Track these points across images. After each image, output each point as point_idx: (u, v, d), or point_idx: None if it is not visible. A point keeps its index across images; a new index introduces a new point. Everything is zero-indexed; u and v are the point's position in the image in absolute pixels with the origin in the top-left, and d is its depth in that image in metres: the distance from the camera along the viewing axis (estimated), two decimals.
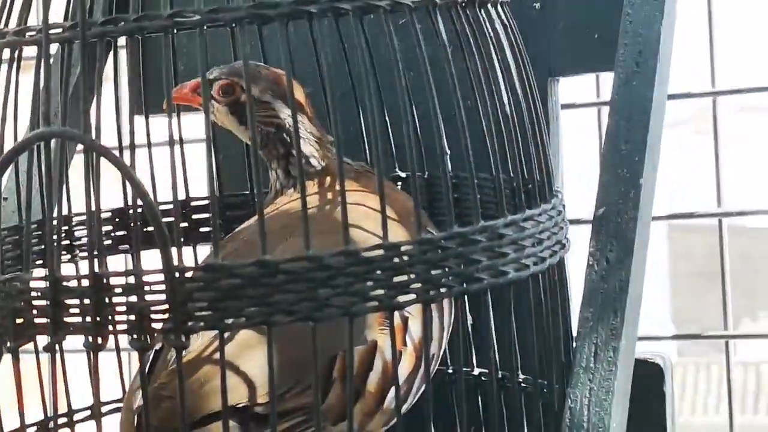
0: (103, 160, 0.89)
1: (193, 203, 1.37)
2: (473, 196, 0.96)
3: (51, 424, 1.17)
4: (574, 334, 1.13)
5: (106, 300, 0.88)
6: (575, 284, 1.20)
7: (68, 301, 0.89)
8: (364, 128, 1.29)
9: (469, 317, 1.22)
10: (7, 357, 0.93)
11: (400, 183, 1.32)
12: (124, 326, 0.88)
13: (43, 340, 0.92)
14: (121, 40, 1.27)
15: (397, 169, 1.32)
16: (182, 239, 1.33)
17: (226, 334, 0.90)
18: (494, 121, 1.02)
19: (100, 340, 0.89)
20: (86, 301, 0.88)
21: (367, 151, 1.29)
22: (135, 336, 0.88)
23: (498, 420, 1.06)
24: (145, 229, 1.02)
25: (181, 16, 0.91)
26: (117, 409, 1.30)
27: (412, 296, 0.91)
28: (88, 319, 0.88)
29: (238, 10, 0.91)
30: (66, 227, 1.29)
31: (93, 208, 0.91)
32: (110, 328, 0.89)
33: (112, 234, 1.33)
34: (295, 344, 0.97)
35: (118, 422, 1.11)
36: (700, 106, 1.58)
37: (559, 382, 1.09)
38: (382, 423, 1.11)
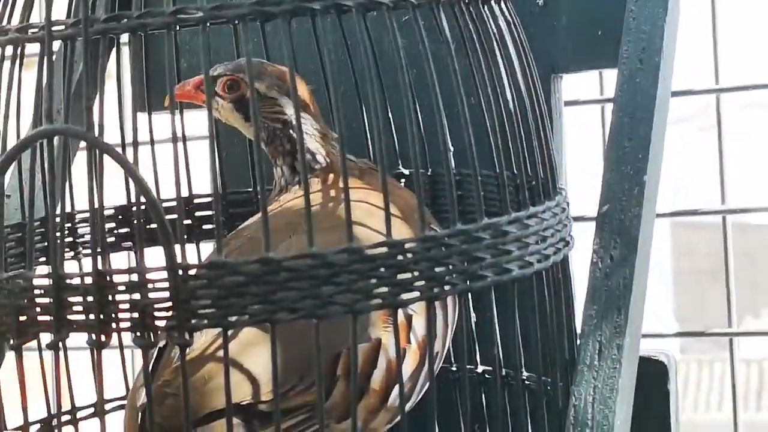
0: (106, 157, 0.89)
1: (197, 200, 1.37)
2: (476, 193, 0.96)
3: (54, 422, 1.17)
4: (578, 331, 1.12)
5: (110, 297, 0.88)
6: (579, 282, 1.20)
7: (71, 299, 0.89)
8: (367, 125, 1.29)
9: (472, 315, 1.22)
10: (11, 355, 0.93)
11: (403, 180, 1.32)
12: (128, 324, 0.88)
13: (46, 337, 0.91)
14: (124, 38, 1.28)
15: (400, 166, 1.32)
16: (185, 236, 1.32)
17: (229, 332, 0.90)
18: (497, 118, 1.02)
19: (103, 338, 0.89)
20: (89, 298, 0.88)
21: (370, 148, 1.29)
22: (138, 334, 0.88)
23: (502, 417, 1.06)
24: (148, 227, 1.02)
25: (184, 12, 0.91)
26: (120, 407, 1.30)
27: (416, 294, 0.91)
28: (92, 316, 0.88)
29: (241, 6, 0.91)
30: (69, 225, 1.29)
31: (96, 205, 0.91)
32: (113, 325, 0.89)
33: (115, 231, 1.33)
34: (299, 342, 0.97)
35: (122, 420, 1.11)
36: (704, 103, 1.58)
37: (563, 379, 1.09)
38: (386, 421, 1.11)
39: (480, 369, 1.26)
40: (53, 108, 0.93)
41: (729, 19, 1.54)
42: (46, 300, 0.90)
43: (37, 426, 1.18)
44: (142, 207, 0.90)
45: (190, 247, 1.34)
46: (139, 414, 1.07)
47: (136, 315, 0.88)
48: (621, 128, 1.19)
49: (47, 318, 0.90)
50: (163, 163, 1.31)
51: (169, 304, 0.87)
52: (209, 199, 1.37)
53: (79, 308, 0.89)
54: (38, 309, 0.90)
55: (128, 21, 0.92)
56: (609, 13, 1.31)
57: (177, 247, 0.88)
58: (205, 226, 1.37)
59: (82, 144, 1.32)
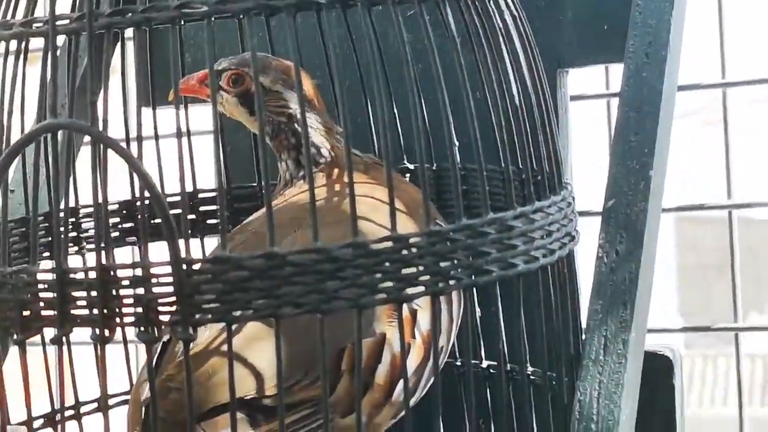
0: (110, 152, 0.89)
1: (201, 195, 1.37)
2: (482, 187, 0.95)
3: (58, 417, 1.17)
4: (584, 326, 1.12)
5: (114, 292, 0.88)
6: (585, 276, 1.20)
7: (75, 294, 0.89)
8: (372, 120, 1.29)
9: (477, 309, 1.22)
10: (15, 349, 0.93)
11: (408, 175, 1.32)
12: (132, 318, 0.88)
13: (50, 332, 0.91)
14: (129, 32, 1.27)
15: (405, 161, 1.32)
16: (190, 231, 1.33)
17: (233, 327, 0.90)
18: (503, 113, 1.02)
19: (107, 333, 0.89)
20: (93, 293, 0.88)
21: (376, 143, 1.29)
22: (142, 328, 0.88)
23: (506, 413, 1.06)
24: (152, 221, 1.02)
25: (189, 7, 0.90)
26: (124, 402, 1.30)
27: (421, 288, 0.91)
28: (96, 311, 0.88)
29: (245, 1, 0.90)
30: (73, 219, 1.29)
31: (100, 200, 0.91)
32: (117, 320, 0.88)
33: (120, 226, 1.33)
34: (303, 336, 0.97)
35: (126, 415, 1.11)
36: (711, 97, 1.58)
37: (569, 374, 1.09)
38: (391, 415, 1.11)
39: (485, 364, 1.26)
40: (57, 102, 0.92)
41: (735, 13, 1.53)
42: (49, 295, 0.89)
43: (41, 421, 1.18)
44: (147, 202, 0.90)
45: (195, 242, 1.35)
46: (143, 409, 1.07)
47: (140, 310, 0.88)
48: (627, 123, 1.18)
49: (51, 313, 0.90)
50: (168, 157, 1.31)
51: (173, 298, 0.87)
52: (214, 194, 1.37)
53: (83, 303, 0.89)
54: (42, 304, 0.90)
55: (133, 15, 0.91)
56: (615, 7, 1.31)
57: (181, 242, 0.88)
58: (209, 221, 1.37)
59: (87, 139, 1.32)
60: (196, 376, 1.02)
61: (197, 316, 0.87)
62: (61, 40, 0.97)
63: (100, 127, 0.92)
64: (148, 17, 0.91)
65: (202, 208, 1.37)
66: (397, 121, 1.25)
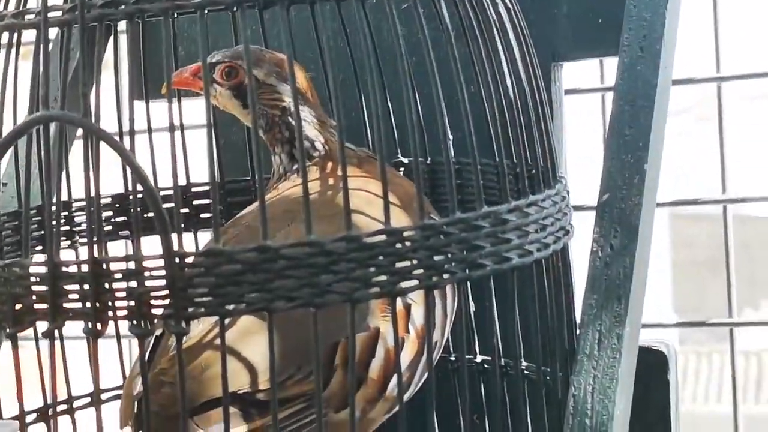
0: (103, 145, 0.88)
1: (194, 189, 1.37)
2: (476, 181, 0.95)
3: (50, 411, 1.17)
4: (578, 321, 1.12)
5: (106, 286, 0.88)
6: (579, 271, 1.19)
7: (68, 287, 0.88)
8: (366, 113, 1.28)
9: (471, 304, 1.21)
10: (7, 343, 0.92)
11: (402, 169, 1.31)
12: (124, 312, 0.88)
13: (42, 326, 0.91)
14: (121, 25, 1.27)
15: (399, 155, 1.32)
16: (183, 225, 1.32)
17: (226, 320, 0.89)
18: (497, 107, 1.02)
19: (99, 326, 0.88)
20: (86, 286, 0.88)
21: (370, 137, 1.28)
22: (135, 322, 0.88)
23: (501, 408, 1.06)
24: (145, 215, 1.01)
25: None
26: (117, 396, 1.29)
27: (415, 282, 0.90)
28: (88, 304, 0.88)
29: None
30: (66, 213, 1.28)
31: (93, 193, 0.90)
32: (110, 314, 0.88)
33: (112, 219, 1.32)
34: (297, 331, 0.97)
35: (119, 409, 1.11)
36: (705, 92, 1.57)
37: (563, 369, 1.09)
38: (385, 410, 1.11)
39: (479, 359, 1.26)
40: (49, 95, 0.92)
41: (731, 7, 1.53)
42: (42, 288, 0.89)
43: (33, 416, 1.18)
44: (140, 195, 0.90)
45: (188, 236, 1.34)
46: (136, 403, 1.06)
47: (132, 303, 0.87)
48: (622, 116, 1.18)
49: (43, 306, 0.89)
50: (161, 151, 1.31)
51: (166, 292, 0.87)
52: (207, 188, 1.36)
53: (76, 296, 0.88)
54: (34, 297, 0.90)
55: (125, 7, 0.91)
56: (610, 0, 1.30)
57: (174, 236, 0.87)
58: (202, 215, 1.36)
59: (79, 132, 1.31)
60: (189, 370, 1.02)
61: (190, 309, 0.87)
62: (53, 32, 0.96)
63: (93, 120, 0.91)
64: (140, 8, 0.91)
65: (195, 202, 1.36)
66: (391, 114, 1.24)
